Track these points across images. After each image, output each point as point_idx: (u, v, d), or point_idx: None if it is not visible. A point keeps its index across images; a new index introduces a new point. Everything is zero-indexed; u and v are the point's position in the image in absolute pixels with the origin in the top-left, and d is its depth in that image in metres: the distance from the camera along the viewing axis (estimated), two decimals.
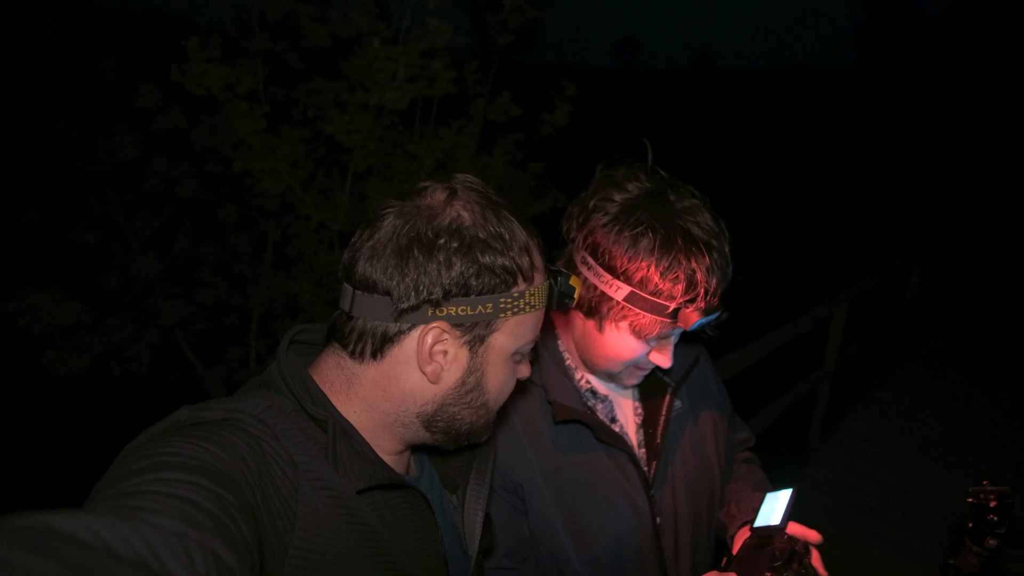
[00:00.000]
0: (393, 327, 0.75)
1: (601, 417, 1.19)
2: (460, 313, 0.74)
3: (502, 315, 0.76)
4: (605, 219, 1.05)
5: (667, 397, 1.21)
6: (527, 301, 0.77)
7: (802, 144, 32.06)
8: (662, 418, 1.20)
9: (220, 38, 3.44)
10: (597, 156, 1.26)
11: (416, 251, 0.72)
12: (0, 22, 4.74)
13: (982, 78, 39.78)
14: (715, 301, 1.04)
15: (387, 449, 0.83)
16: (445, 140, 3.88)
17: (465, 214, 0.74)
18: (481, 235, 0.74)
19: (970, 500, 1.22)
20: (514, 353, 0.81)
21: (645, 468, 1.20)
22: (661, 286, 1.01)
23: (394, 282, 0.73)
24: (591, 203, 1.08)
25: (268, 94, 3.79)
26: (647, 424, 1.22)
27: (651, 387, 1.24)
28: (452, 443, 0.84)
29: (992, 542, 1.18)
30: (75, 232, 4.45)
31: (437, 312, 0.73)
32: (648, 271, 1.01)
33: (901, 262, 5.46)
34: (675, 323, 1.04)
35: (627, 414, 1.24)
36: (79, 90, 4.50)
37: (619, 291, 1.03)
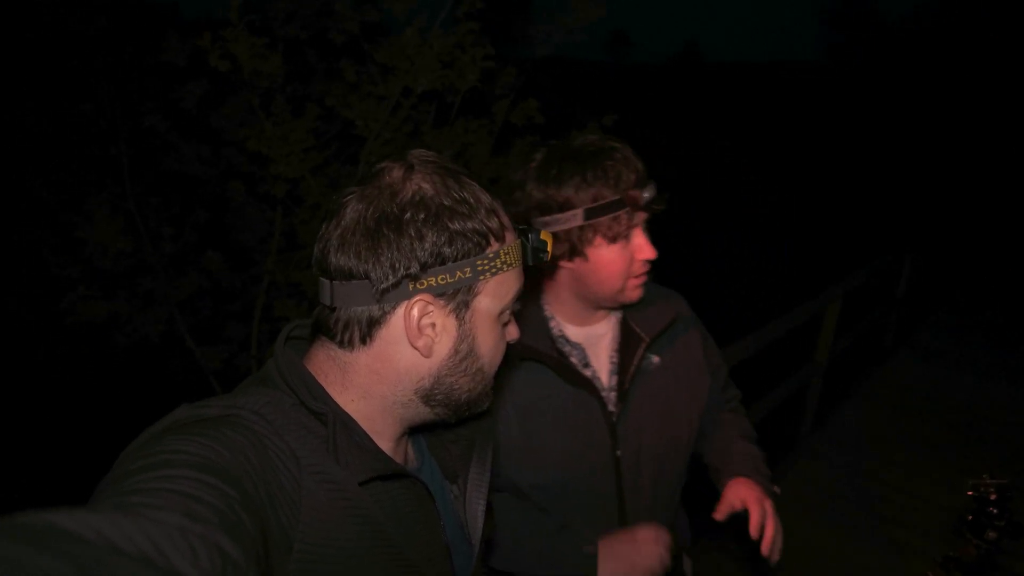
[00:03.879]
0: (377, 309, 0.75)
1: (573, 360, 1.36)
2: (440, 282, 0.74)
3: (482, 277, 0.76)
4: (530, 182, 1.26)
5: (639, 349, 1.37)
6: (503, 260, 0.78)
7: (794, 139, 32.24)
8: (632, 367, 1.36)
9: (243, 25, 3.49)
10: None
11: (385, 230, 0.73)
12: (53, 18, 4.82)
13: (969, 78, 40.12)
14: (636, 178, 1.22)
15: (388, 435, 0.83)
16: (463, 136, 3.92)
17: (426, 185, 0.75)
18: (446, 202, 0.74)
19: (970, 493, 1.24)
20: (500, 314, 0.82)
21: (612, 408, 1.36)
22: (598, 192, 1.20)
23: (370, 265, 0.73)
24: (517, 181, 1.29)
25: (286, 91, 3.85)
26: (620, 371, 1.37)
27: (628, 341, 1.39)
28: (453, 415, 0.85)
29: (992, 534, 1.20)
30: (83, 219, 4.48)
31: (418, 286, 0.74)
32: (581, 188, 1.21)
33: (892, 258, 5.51)
34: (627, 208, 1.21)
35: (602, 361, 1.39)
36: (115, 77, 4.55)
37: (576, 217, 1.22)
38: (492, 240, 0.77)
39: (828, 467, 4.03)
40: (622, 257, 1.25)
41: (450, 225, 0.74)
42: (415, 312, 0.75)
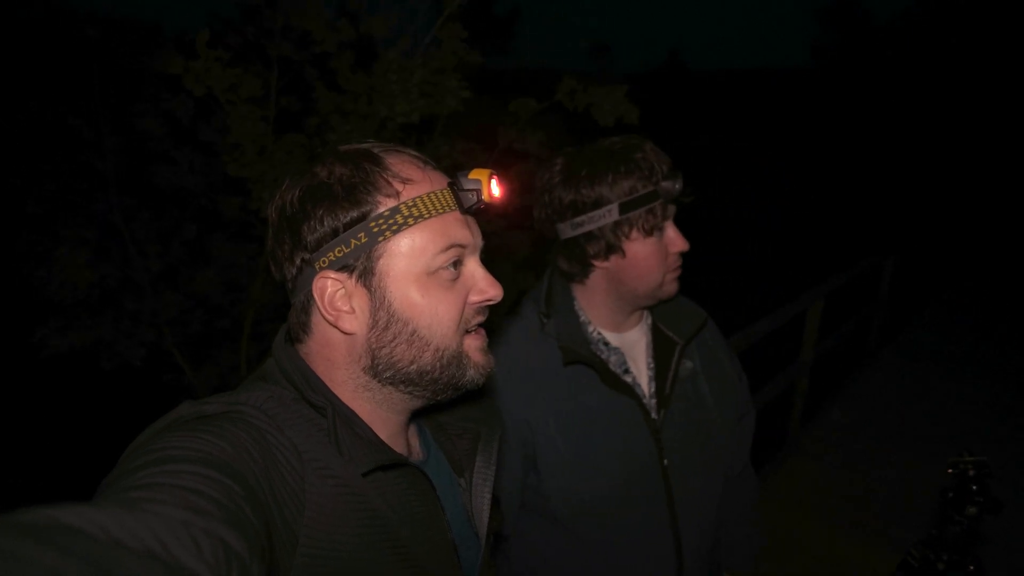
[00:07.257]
0: (303, 297, 0.79)
1: (611, 366, 1.31)
2: (339, 255, 0.75)
3: (381, 239, 0.75)
4: (558, 186, 1.25)
5: (676, 354, 1.34)
6: (406, 215, 0.75)
7: (777, 143, 32.55)
8: (670, 372, 1.33)
9: (238, 39, 3.41)
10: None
11: (284, 223, 0.77)
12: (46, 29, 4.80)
13: (954, 81, 40.66)
14: (667, 170, 1.22)
15: (382, 426, 0.83)
16: (449, 156, 3.93)
17: (319, 171, 0.77)
18: (330, 180, 0.75)
19: (950, 471, 1.28)
20: (432, 272, 0.78)
21: (655, 416, 1.32)
22: (632, 185, 1.20)
23: (282, 260, 0.79)
24: (542, 187, 1.28)
25: (280, 104, 3.81)
26: (659, 377, 1.34)
27: (663, 346, 1.37)
28: (429, 391, 0.82)
29: (972, 510, 1.25)
30: (72, 229, 4.41)
31: (320, 264, 0.76)
32: (615, 183, 1.20)
33: (875, 259, 5.60)
34: (661, 200, 1.21)
35: (640, 367, 1.36)
36: (105, 88, 4.52)
37: (611, 213, 1.21)
38: (382, 197, 0.75)
39: (816, 463, 4.10)
40: (658, 250, 1.24)
41: (332, 197, 0.74)
42: (322, 290, 0.76)
